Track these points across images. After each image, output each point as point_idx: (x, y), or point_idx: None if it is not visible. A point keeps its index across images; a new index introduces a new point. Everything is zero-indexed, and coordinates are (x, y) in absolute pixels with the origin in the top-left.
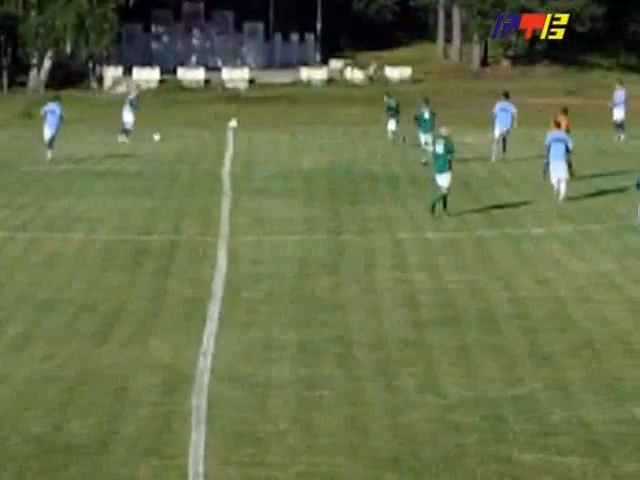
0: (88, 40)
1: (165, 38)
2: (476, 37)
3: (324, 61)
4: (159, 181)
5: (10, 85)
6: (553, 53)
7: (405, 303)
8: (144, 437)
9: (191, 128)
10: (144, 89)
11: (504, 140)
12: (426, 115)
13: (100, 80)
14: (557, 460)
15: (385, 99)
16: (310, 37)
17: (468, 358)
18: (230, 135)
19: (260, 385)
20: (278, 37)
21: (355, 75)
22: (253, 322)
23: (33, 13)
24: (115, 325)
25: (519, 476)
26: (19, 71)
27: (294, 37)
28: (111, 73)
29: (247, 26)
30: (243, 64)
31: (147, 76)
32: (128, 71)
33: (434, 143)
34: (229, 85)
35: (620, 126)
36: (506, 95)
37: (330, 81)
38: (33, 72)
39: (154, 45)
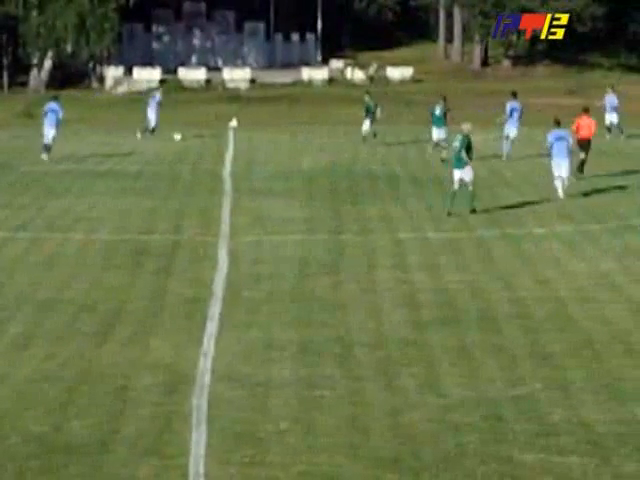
0: (89, 40)
1: (166, 38)
2: (477, 37)
3: (325, 61)
4: (159, 181)
5: (11, 85)
6: (554, 53)
7: (405, 303)
8: (144, 437)
9: (192, 128)
10: (144, 89)
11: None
12: (437, 112)
13: (101, 80)
14: (557, 460)
15: (366, 99)
16: (311, 37)
17: (468, 358)
18: (231, 135)
19: (260, 385)
20: (279, 37)
21: (356, 75)
22: (253, 322)
23: (34, 13)
24: (115, 325)
25: (519, 476)
26: (20, 71)
27: (295, 37)
28: (112, 73)
29: (248, 26)
30: (244, 64)
31: (148, 76)
32: (129, 71)
33: (454, 139)
34: (230, 85)
35: (617, 128)
36: (514, 94)
37: (331, 81)
38: (34, 72)
39: (155, 45)
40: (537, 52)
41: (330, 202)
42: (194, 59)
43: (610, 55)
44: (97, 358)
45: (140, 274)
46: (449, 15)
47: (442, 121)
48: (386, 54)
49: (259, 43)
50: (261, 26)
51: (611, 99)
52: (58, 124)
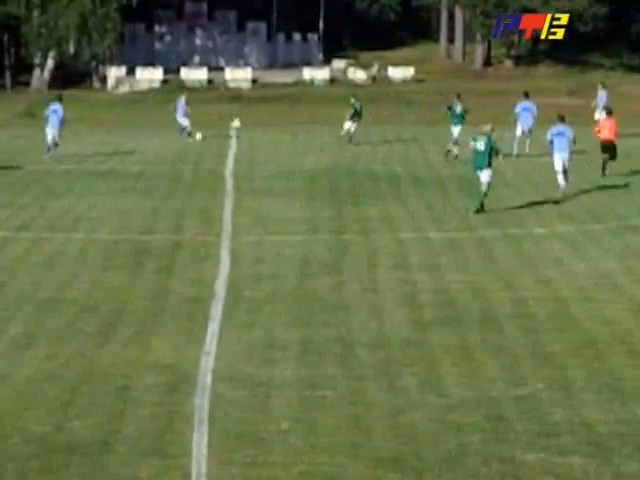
0: (91, 40)
1: (168, 38)
2: (478, 37)
3: (326, 61)
4: (161, 181)
5: (13, 85)
6: (555, 53)
7: (407, 303)
8: (146, 437)
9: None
10: (146, 89)
11: (524, 136)
12: (458, 109)
13: (103, 80)
14: (559, 460)
15: (352, 101)
16: (313, 37)
17: (470, 358)
18: (233, 135)
19: (262, 385)
20: (281, 37)
21: (357, 75)
22: (255, 322)
23: (36, 13)
24: (117, 325)
25: (521, 476)
26: (22, 71)
27: (297, 37)
28: (114, 73)
29: (250, 26)
30: (246, 64)
31: (150, 76)
32: (131, 71)
33: (474, 139)
34: (232, 85)
35: None
36: (526, 94)
37: (332, 81)
38: (36, 72)
39: (157, 45)
40: (539, 52)
41: (331, 202)
42: (196, 59)
43: (612, 55)
44: (98, 358)
45: (141, 274)
46: (451, 15)
47: (460, 119)
48: (388, 54)
49: (261, 43)
50: (263, 26)
51: (601, 95)
52: (60, 125)
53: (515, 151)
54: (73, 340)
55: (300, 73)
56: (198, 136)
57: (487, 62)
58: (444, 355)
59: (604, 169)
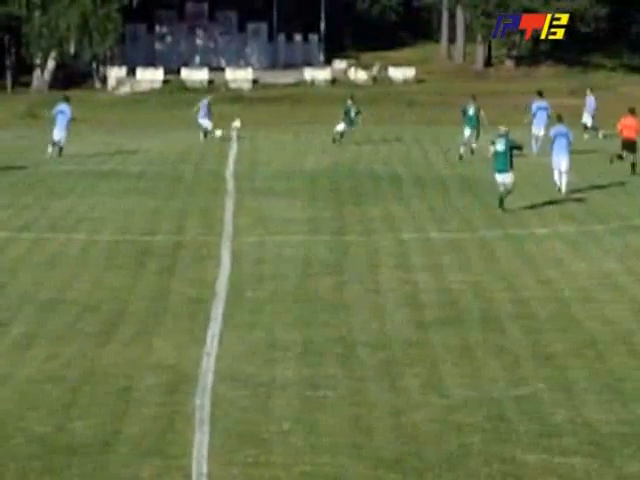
0: (92, 40)
1: (169, 38)
2: (479, 37)
3: (328, 61)
4: (162, 181)
5: (14, 85)
6: (556, 53)
7: (408, 303)
8: (147, 437)
9: (195, 128)
10: (147, 89)
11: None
12: (470, 111)
13: (104, 80)
14: (560, 460)
15: (348, 103)
16: (314, 37)
17: (471, 358)
18: (234, 135)
19: (263, 385)
20: (282, 37)
21: (359, 75)
22: (256, 322)
23: (37, 13)
24: (118, 325)
25: (522, 476)
26: (23, 71)
27: (298, 37)
28: (115, 73)
29: (251, 26)
30: (247, 64)
31: (151, 76)
32: (132, 71)
33: (493, 142)
34: (233, 85)
35: (592, 128)
36: (540, 94)
37: (334, 81)
38: (37, 72)
39: (158, 45)
40: (540, 52)
41: (333, 202)
42: (197, 59)
43: (613, 56)
44: (100, 358)
45: (143, 274)
46: (452, 15)
47: (474, 121)
48: (389, 54)
49: (262, 43)
50: (264, 27)
51: (589, 100)
52: (68, 125)
53: (534, 150)
54: (74, 340)
55: (301, 74)
56: (218, 133)
57: (488, 62)
58: (445, 355)
59: (633, 169)
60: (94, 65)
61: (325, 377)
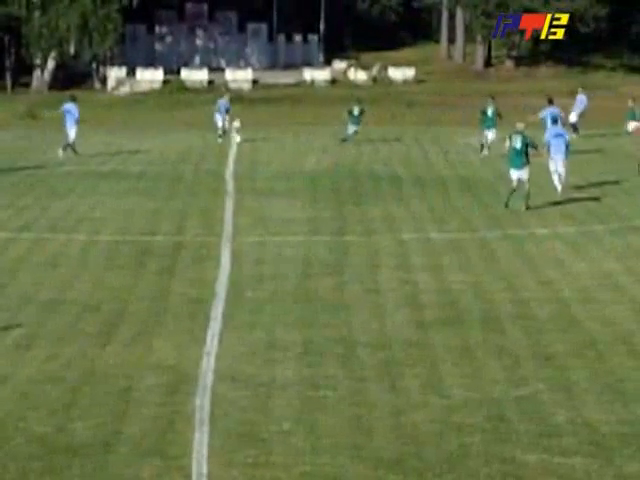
0: (92, 41)
1: (169, 39)
2: (479, 38)
3: (327, 62)
4: (162, 182)
5: (14, 86)
6: (557, 54)
7: (408, 303)
8: (147, 437)
9: (195, 129)
10: (147, 90)
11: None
12: (490, 112)
13: (103, 81)
14: (560, 461)
15: (354, 105)
16: (313, 38)
17: (471, 358)
18: (234, 135)
19: (263, 385)
20: (281, 38)
21: (358, 76)
22: (256, 322)
23: (37, 14)
24: (118, 325)
25: (522, 476)
26: (23, 72)
27: (297, 38)
28: (115, 74)
29: (250, 27)
30: (246, 65)
31: (150, 77)
32: (132, 72)
33: (510, 138)
34: (232, 86)
35: (572, 126)
36: (550, 101)
37: (333, 82)
38: (37, 73)
39: (157, 46)
40: (540, 53)
41: (333, 203)
42: (197, 60)
43: (613, 56)
44: (100, 359)
45: (143, 275)
46: (451, 16)
47: (493, 121)
48: (389, 55)
49: (262, 44)
50: (263, 27)
51: (581, 98)
52: (76, 125)
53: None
54: (75, 341)
55: (301, 74)
56: (238, 138)
57: (488, 63)
58: (445, 356)
59: None
60: (94, 65)
61: (325, 377)
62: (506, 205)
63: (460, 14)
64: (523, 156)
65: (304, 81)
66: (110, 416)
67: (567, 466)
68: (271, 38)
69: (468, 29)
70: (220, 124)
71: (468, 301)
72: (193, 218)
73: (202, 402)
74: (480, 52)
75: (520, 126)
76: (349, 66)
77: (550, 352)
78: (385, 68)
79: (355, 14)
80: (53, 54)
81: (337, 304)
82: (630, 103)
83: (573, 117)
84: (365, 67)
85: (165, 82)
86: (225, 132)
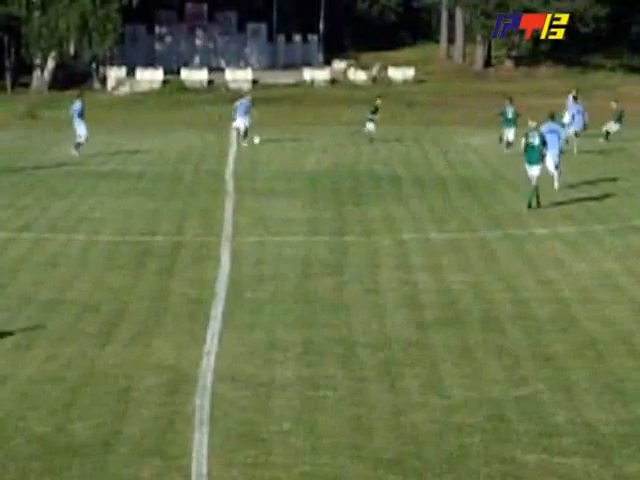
0: (91, 41)
1: (168, 39)
2: (479, 38)
3: (327, 62)
4: (162, 182)
5: (14, 86)
6: (556, 54)
7: (408, 304)
8: (147, 437)
9: (194, 129)
10: (147, 90)
11: (576, 136)
12: (509, 114)
13: (103, 81)
14: (560, 461)
15: (377, 101)
16: (313, 38)
17: (471, 359)
18: (233, 135)
19: (263, 385)
20: (281, 38)
21: (358, 76)
22: (256, 322)
23: (36, 14)
24: (118, 325)
25: (522, 476)
26: (22, 72)
27: (297, 38)
28: (114, 74)
29: (250, 27)
30: (246, 65)
31: (150, 77)
32: (131, 72)
33: (527, 136)
34: (232, 86)
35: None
36: (575, 98)
37: (333, 82)
38: (36, 73)
39: (157, 46)
40: (540, 53)
41: (333, 203)
42: (196, 60)
43: (613, 56)
44: (100, 359)
45: (143, 275)
46: (451, 16)
47: (513, 122)
48: (388, 55)
49: (261, 44)
50: (263, 27)
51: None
52: (80, 117)
53: (575, 150)
54: (75, 341)
55: (300, 74)
56: (256, 140)
57: (488, 63)
58: (445, 356)
59: None
60: (94, 65)
61: (325, 377)
62: (529, 205)
63: (460, 14)
64: (539, 152)
65: (304, 81)
66: (110, 416)
67: (567, 466)
68: (271, 38)
69: (468, 29)
70: (242, 127)
71: (468, 301)
72: (193, 218)
73: (202, 402)
74: (480, 52)
75: (533, 124)
76: (349, 66)
77: (550, 352)
78: (385, 68)
79: (355, 14)
80: (53, 54)
81: (337, 304)
82: (614, 105)
83: (566, 118)
84: (365, 67)
85: (165, 82)
86: (247, 134)
